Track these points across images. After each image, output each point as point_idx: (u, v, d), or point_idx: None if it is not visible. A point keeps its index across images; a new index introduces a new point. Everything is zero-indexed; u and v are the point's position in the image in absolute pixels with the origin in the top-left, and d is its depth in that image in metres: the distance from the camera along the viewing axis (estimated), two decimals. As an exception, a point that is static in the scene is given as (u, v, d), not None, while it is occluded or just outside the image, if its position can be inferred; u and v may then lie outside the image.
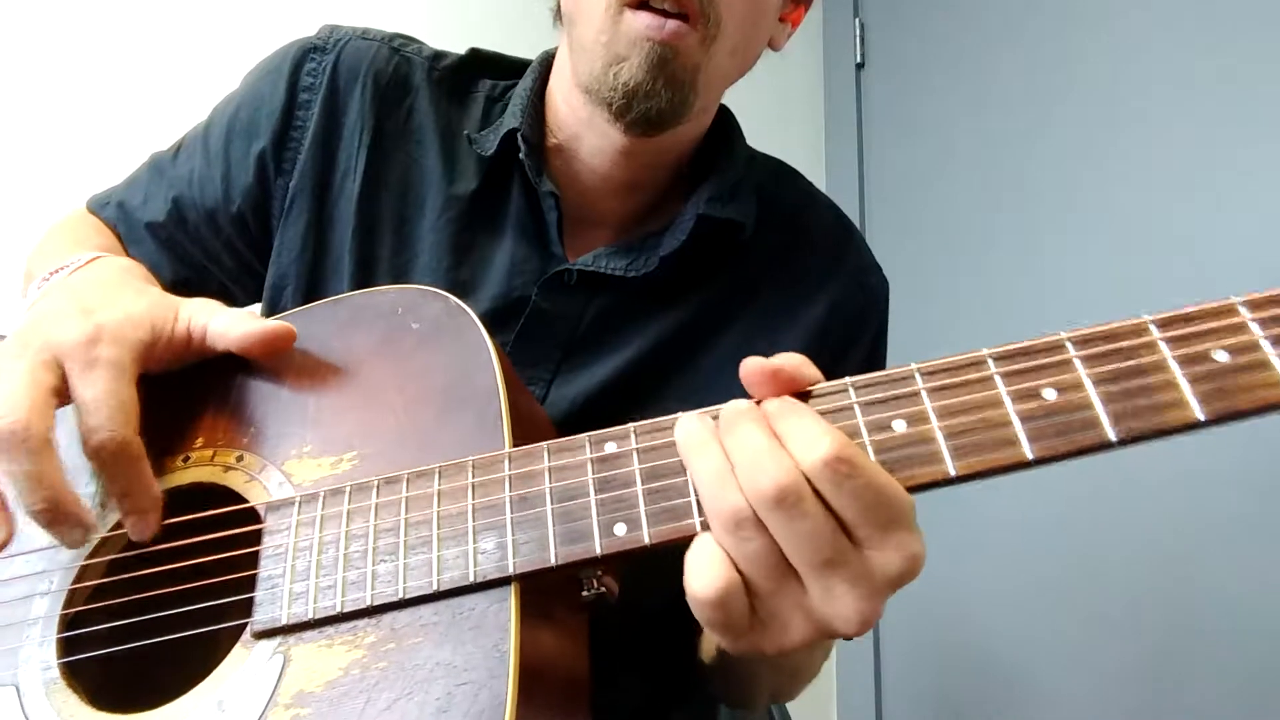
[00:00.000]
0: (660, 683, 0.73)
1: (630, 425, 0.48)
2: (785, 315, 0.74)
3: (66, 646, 0.51)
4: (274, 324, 0.56)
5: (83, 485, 0.54)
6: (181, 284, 0.76)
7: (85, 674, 0.51)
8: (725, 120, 0.79)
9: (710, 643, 0.70)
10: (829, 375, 0.76)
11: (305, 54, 0.76)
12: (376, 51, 0.76)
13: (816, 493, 0.40)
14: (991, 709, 1.60)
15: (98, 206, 0.79)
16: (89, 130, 1.20)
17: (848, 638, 0.42)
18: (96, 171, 0.88)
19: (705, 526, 0.44)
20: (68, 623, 0.52)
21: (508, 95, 0.77)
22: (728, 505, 0.41)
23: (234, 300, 0.79)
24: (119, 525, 0.54)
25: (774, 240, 0.76)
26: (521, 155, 0.70)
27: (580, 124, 0.71)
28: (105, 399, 0.51)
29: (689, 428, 0.45)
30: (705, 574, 0.41)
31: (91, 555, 0.54)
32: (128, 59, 1.26)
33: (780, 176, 0.83)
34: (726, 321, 0.73)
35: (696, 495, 0.44)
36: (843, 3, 2.10)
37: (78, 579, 0.53)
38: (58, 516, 0.49)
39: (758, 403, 0.45)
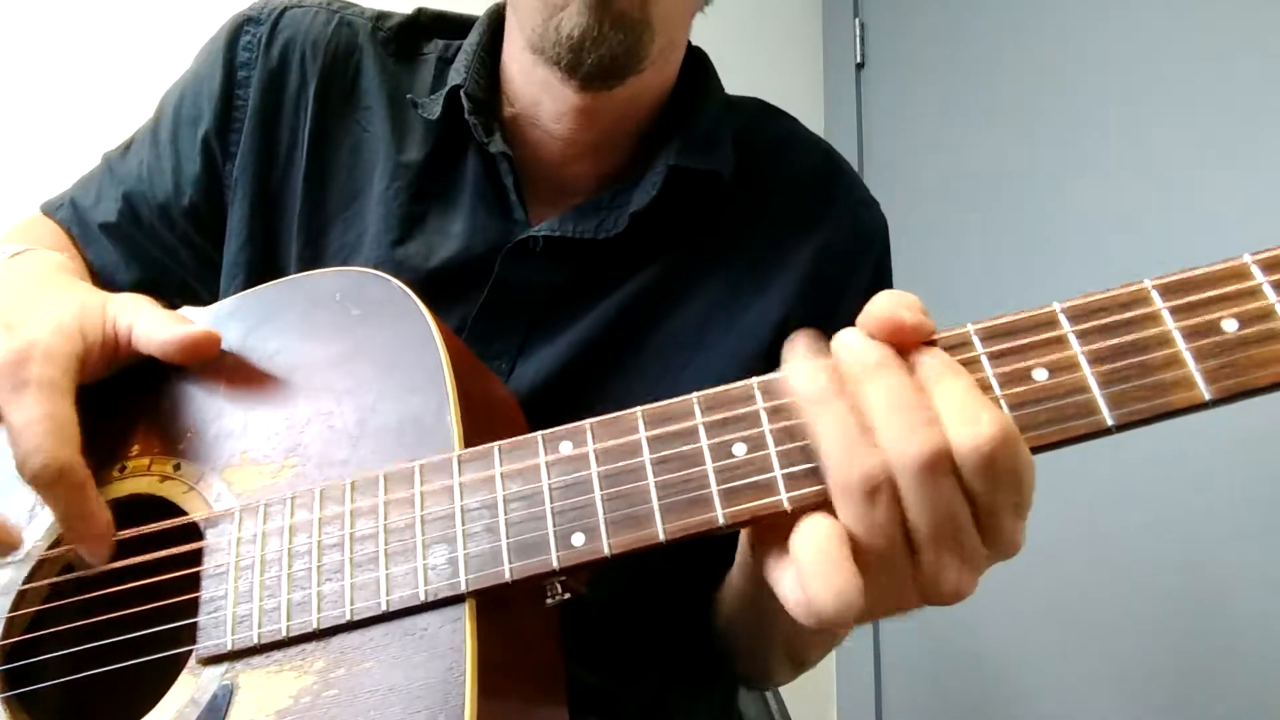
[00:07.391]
0: (674, 669, 0.69)
1: (587, 422, 0.44)
2: (770, 264, 0.68)
3: (9, 678, 0.49)
4: (194, 330, 0.52)
5: (17, 501, 0.51)
6: (141, 286, 0.72)
7: (35, 705, 0.49)
8: (698, 64, 0.72)
9: (728, 608, 0.65)
10: (826, 322, 0.71)
11: (240, 28, 0.70)
12: (314, 17, 0.70)
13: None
14: (991, 709, 1.60)
15: (51, 210, 0.75)
16: (48, 130, 1.13)
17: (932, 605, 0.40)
18: (54, 169, 0.83)
19: (671, 535, 0.41)
20: (8, 654, 0.49)
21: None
22: (862, 468, 0.37)
23: (198, 298, 0.75)
24: (55, 544, 0.51)
25: (755, 187, 0.70)
26: (467, 114, 0.64)
27: (537, 88, 0.65)
28: (38, 422, 0.47)
29: (811, 378, 0.39)
30: (836, 580, 0.36)
31: (29, 580, 0.50)
32: (90, 56, 1.18)
33: (763, 117, 0.76)
34: (704, 278, 0.67)
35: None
36: (843, 3, 2.05)
37: (15, 606, 0.50)
38: None
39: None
